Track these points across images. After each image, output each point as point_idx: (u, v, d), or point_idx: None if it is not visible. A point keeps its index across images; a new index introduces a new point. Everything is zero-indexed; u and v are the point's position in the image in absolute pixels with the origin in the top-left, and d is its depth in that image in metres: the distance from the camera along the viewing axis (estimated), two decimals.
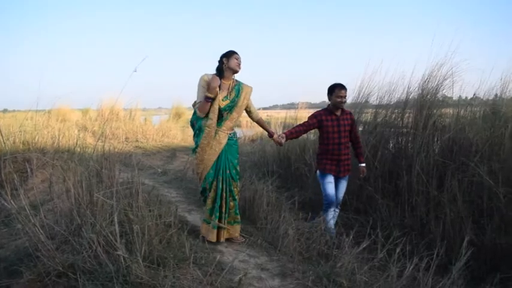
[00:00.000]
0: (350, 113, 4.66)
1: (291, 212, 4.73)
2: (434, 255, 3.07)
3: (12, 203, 3.17)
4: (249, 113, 4.21)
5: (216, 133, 3.86)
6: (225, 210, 3.90)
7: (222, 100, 3.81)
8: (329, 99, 4.53)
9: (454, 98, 5.72)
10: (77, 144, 5.78)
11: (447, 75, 5.29)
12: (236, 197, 4.01)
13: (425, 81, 5.42)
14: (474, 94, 5.53)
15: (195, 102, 3.93)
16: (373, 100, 6.26)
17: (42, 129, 8.03)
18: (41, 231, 2.93)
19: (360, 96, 6.29)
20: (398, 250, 3.40)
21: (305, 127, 4.50)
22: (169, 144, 12.12)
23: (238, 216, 4.04)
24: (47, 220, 3.25)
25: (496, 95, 5.42)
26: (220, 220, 3.88)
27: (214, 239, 3.85)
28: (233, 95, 3.90)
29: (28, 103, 8.52)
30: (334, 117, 4.47)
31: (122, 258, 2.73)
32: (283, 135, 4.33)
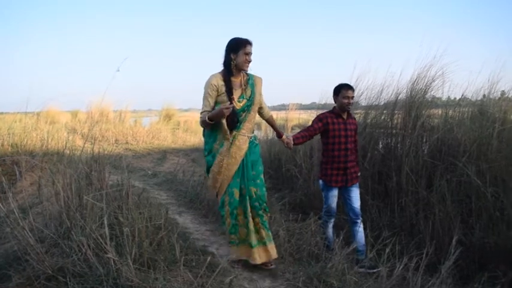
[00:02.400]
0: (355, 118, 4.41)
1: (282, 213, 4.75)
2: (424, 255, 3.10)
3: (1, 206, 3.15)
4: (260, 109, 3.65)
5: (234, 138, 3.36)
6: (254, 228, 3.39)
7: (238, 101, 3.34)
8: (335, 101, 4.17)
9: (443, 99, 5.77)
10: (66, 146, 5.74)
11: (436, 76, 5.35)
12: (263, 214, 3.46)
13: (413, 83, 5.46)
14: (462, 95, 5.58)
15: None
16: (362, 100, 6.30)
17: (31, 132, 7.96)
18: (30, 234, 2.91)
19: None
20: (387, 250, 3.43)
21: (311, 132, 4.05)
22: (160, 146, 12.08)
23: (270, 233, 3.49)
24: (36, 223, 3.22)
25: (484, 95, 5.48)
26: (248, 237, 3.41)
27: (258, 260, 3.34)
28: (249, 92, 3.42)
29: (17, 105, 8.44)
30: (341, 121, 4.08)
31: (112, 261, 2.72)
32: (291, 137, 3.93)
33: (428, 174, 4.72)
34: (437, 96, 5.67)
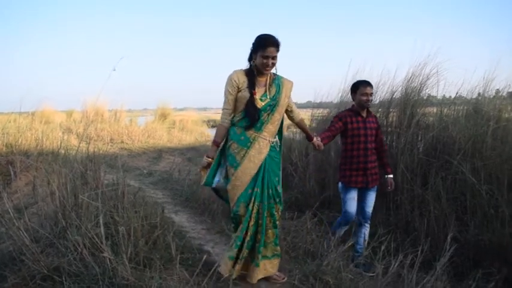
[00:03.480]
0: (376, 116, 4.21)
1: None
2: (419, 252, 3.11)
3: None
4: (289, 112, 3.37)
5: (254, 140, 3.08)
6: (261, 241, 3.09)
7: (261, 99, 3.06)
8: (353, 99, 4.01)
9: (438, 97, 5.79)
10: (60, 146, 5.73)
11: (430, 75, 5.36)
12: (277, 224, 3.21)
13: (408, 81, 5.47)
14: (457, 93, 5.60)
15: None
16: None
17: (25, 132, 7.94)
18: (25, 234, 2.91)
19: (345, 95, 6.33)
20: (383, 248, 3.44)
21: (333, 132, 3.84)
22: (155, 145, 12.08)
23: (278, 248, 3.24)
24: (31, 223, 3.22)
25: (479, 93, 5.50)
26: (252, 252, 3.14)
27: (226, 272, 3.05)
28: (273, 91, 3.12)
29: (11, 105, 8.41)
30: (360, 119, 3.90)
31: (108, 260, 2.72)
32: (320, 138, 3.66)
33: (424, 172, 4.74)
34: (432, 94, 5.69)
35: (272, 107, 3.08)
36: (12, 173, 5.55)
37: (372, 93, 3.93)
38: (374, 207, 4.64)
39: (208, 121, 19.75)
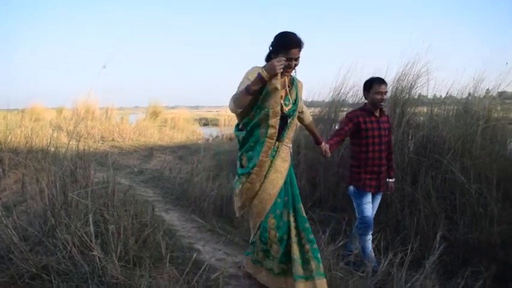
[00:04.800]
0: (388, 116, 3.99)
1: None
2: (409, 251, 3.13)
3: None
4: (300, 114, 3.03)
5: (278, 148, 2.76)
6: (301, 257, 2.68)
7: (285, 104, 2.73)
8: (366, 97, 3.78)
9: (428, 97, 5.84)
10: (50, 143, 5.68)
11: (420, 73, 5.41)
12: (312, 237, 2.74)
13: (398, 80, 5.51)
14: (447, 92, 5.65)
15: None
16: (349, 98, 6.34)
17: (15, 129, 7.87)
18: (14, 232, 2.89)
19: (337, 94, 6.35)
20: (373, 246, 3.46)
21: (342, 136, 3.67)
22: (146, 143, 12.01)
23: (321, 266, 2.70)
24: (20, 221, 3.20)
25: (469, 93, 5.55)
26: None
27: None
28: (294, 94, 2.83)
29: (0, 102, 8.36)
30: (374, 119, 3.68)
31: (97, 259, 2.72)
32: (328, 146, 3.40)
33: (414, 171, 4.78)
34: (422, 94, 5.74)
35: (294, 111, 2.80)
36: (0, 171, 5.51)
37: (386, 92, 3.72)
38: None
39: (200, 119, 19.72)
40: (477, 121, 4.74)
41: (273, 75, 2.51)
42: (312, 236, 2.73)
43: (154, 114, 17.84)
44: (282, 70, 2.51)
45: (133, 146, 11.50)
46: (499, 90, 5.39)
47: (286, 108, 2.73)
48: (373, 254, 3.65)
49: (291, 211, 2.76)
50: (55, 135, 8.81)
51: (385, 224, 4.53)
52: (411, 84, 5.42)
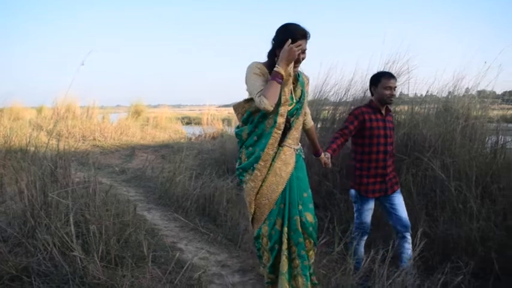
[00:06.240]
0: (392, 115, 3.79)
1: None
2: (390, 248, 3.16)
3: None
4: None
5: (279, 150, 2.56)
6: (288, 272, 2.55)
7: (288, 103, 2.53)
8: (372, 93, 3.53)
9: (409, 95, 5.92)
10: (29, 143, 5.59)
11: (400, 72, 5.47)
12: (304, 254, 2.58)
13: None
14: (428, 91, 5.73)
15: (240, 102, 2.67)
16: (331, 96, 6.38)
17: None
18: None
19: (318, 93, 6.39)
20: (355, 243, 3.49)
21: (347, 136, 3.41)
22: (128, 143, 11.91)
23: (309, 284, 2.57)
24: None
25: (449, 92, 5.64)
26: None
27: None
28: (299, 91, 2.62)
29: None
30: (380, 117, 3.44)
31: (79, 259, 2.69)
32: (329, 155, 3.16)
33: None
34: (404, 92, 5.81)
35: (298, 110, 2.60)
36: None
37: (396, 87, 3.45)
38: (346, 203, 4.66)
39: (183, 118, 19.58)
40: (457, 119, 4.81)
41: (291, 62, 2.37)
42: (303, 253, 2.56)
43: (137, 113, 17.69)
44: (299, 52, 2.38)
45: (115, 145, 11.39)
46: (478, 89, 5.48)
47: (288, 108, 2.53)
48: (362, 255, 3.56)
49: (286, 220, 2.56)
50: (35, 134, 8.69)
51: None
52: None
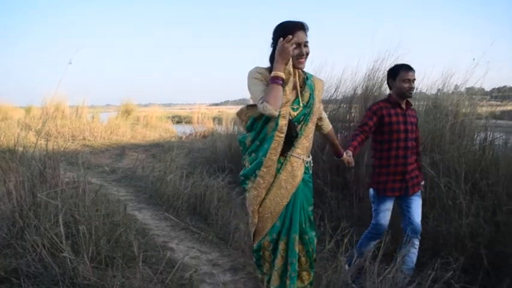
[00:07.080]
0: (415, 109, 3.62)
1: (242, 207, 4.75)
2: (381, 244, 3.17)
3: None
4: (318, 120, 2.66)
5: (286, 160, 2.37)
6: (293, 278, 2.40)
7: (292, 108, 2.34)
8: (390, 87, 3.37)
9: None
10: (18, 143, 5.54)
11: None
12: (295, 275, 2.40)
13: (368, 76, 5.59)
14: (417, 88, 5.76)
15: (242, 108, 2.54)
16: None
17: None
18: None
19: None
20: (346, 240, 3.50)
21: (367, 133, 3.26)
22: (118, 142, 11.85)
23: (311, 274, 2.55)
24: None
25: (438, 89, 5.68)
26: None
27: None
28: (307, 96, 2.41)
29: None
30: (400, 111, 3.27)
31: (68, 260, 2.67)
32: (351, 153, 3.04)
33: None
34: None
35: (306, 116, 2.40)
36: None
37: (415, 80, 3.28)
38: (337, 200, 4.66)
39: (173, 117, 19.53)
40: (446, 116, 4.85)
41: (288, 59, 2.21)
42: (294, 274, 2.38)
43: (127, 112, 17.61)
44: (293, 47, 2.19)
45: (105, 144, 11.34)
46: (467, 86, 5.53)
47: (294, 114, 2.34)
48: (411, 265, 3.37)
49: (283, 237, 2.40)
50: (23, 134, 8.62)
51: (357, 219, 4.59)
52: (381, 80, 5.50)
